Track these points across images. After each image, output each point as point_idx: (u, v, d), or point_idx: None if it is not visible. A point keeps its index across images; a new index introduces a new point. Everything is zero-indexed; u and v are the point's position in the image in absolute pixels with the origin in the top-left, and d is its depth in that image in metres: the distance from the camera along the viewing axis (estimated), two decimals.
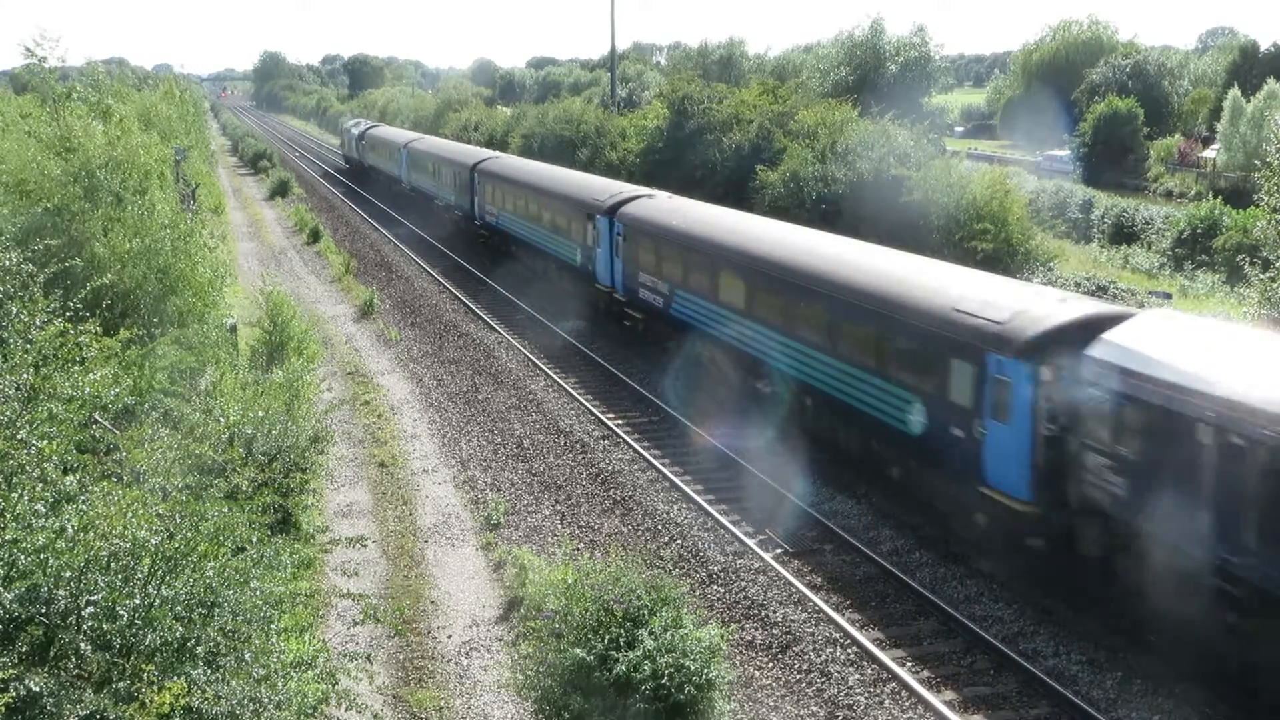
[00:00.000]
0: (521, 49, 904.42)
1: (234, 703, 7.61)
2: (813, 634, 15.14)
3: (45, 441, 8.69)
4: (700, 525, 18.75)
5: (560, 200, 35.24)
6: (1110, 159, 77.64)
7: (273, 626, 8.79)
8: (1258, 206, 32.34)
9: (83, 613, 7.37)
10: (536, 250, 38.25)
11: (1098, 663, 14.34)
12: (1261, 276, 25.15)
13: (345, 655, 9.99)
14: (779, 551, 17.73)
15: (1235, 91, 71.90)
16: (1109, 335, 14.57)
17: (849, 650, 14.72)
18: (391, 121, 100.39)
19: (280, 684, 8.19)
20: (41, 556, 7.38)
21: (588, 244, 32.22)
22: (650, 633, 11.42)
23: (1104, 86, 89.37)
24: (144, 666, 7.37)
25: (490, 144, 71.10)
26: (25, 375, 9.33)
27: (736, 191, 42.58)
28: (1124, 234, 49.48)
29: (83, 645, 7.25)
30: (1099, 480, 14.15)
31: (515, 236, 40.96)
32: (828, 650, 14.73)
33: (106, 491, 8.41)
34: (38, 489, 8.20)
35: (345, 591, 11.10)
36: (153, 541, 7.90)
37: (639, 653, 11.18)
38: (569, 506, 19.69)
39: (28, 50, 22.92)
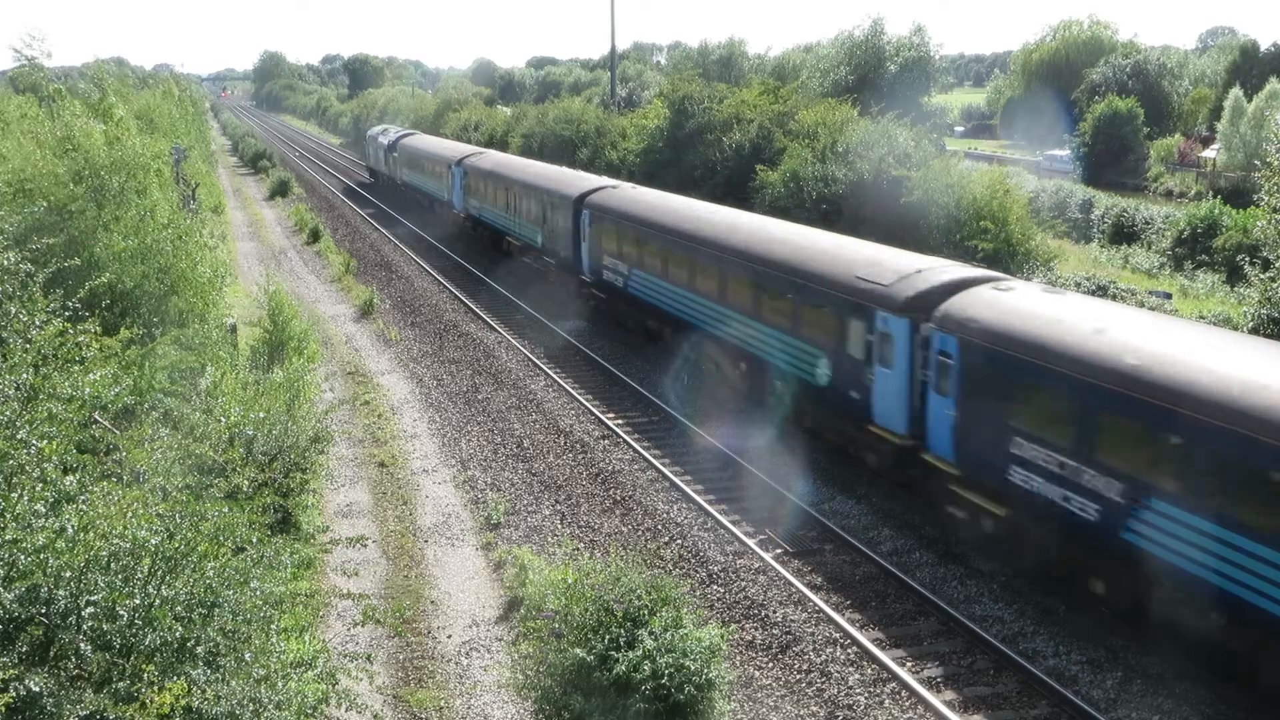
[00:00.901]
0: (521, 49, 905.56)
1: (234, 703, 7.61)
2: (813, 634, 15.14)
3: (45, 441, 8.69)
4: (700, 525, 18.74)
5: (785, 275, 21.61)
6: (1110, 159, 77.69)
7: (273, 627, 8.80)
8: (1258, 206, 32.35)
9: (83, 613, 7.37)
10: (718, 342, 24.89)
11: (1098, 663, 14.34)
12: (1261, 276, 25.17)
13: (345, 655, 9.99)
14: (779, 551, 17.73)
15: (1237, 91, 71.91)
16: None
17: (849, 650, 14.72)
18: (392, 122, 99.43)
19: (280, 684, 8.19)
20: (41, 556, 7.38)
21: (850, 354, 19.54)
22: (650, 633, 11.42)
23: (1104, 86, 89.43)
24: (144, 666, 7.37)
25: (490, 144, 70.12)
26: (25, 375, 9.32)
27: (736, 191, 42.55)
28: (1124, 234, 49.47)
29: (83, 645, 7.25)
30: None
31: (668, 313, 27.45)
32: (828, 650, 14.73)
33: (106, 491, 8.41)
34: (38, 489, 8.20)
35: (345, 591, 11.10)
36: (153, 541, 7.91)
37: (639, 653, 11.18)
38: (569, 506, 19.69)
39: (17, 52, 23.15)
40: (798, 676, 14.21)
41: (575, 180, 36.36)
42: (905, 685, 13.78)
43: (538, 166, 43.29)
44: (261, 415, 15.74)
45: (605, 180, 36.10)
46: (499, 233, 42.88)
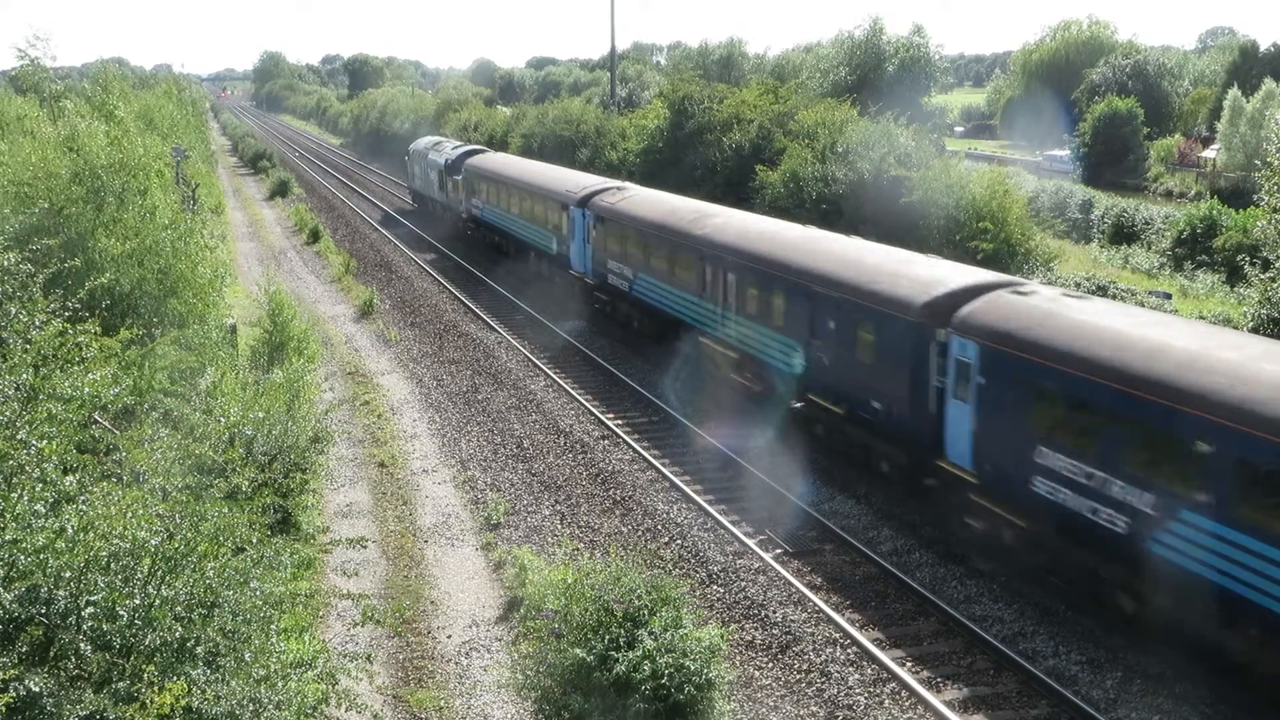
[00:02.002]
0: (521, 49, 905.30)
1: (234, 703, 7.62)
2: (813, 634, 15.14)
3: (45, 441, 8.69)
4: (700, 525, 18.75)
5: None
6: (1110, 159, 77.71)
7: (272, 627, 8.80)
8: (1258, 206, 32.35)
9: (83, 613, 7.38)
10: None
11: (1098, 663, 14.34)
12: (1261, 276, 25.16)
13: (345, 655, 9.99)
14: (779, 551, 17.73)
15: (1235, 91, 71.95)
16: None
17: (849, 650, 14.72)
18: (391, 124, 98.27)
19: (280, 684, 8.19)
20: (41, 556, 7.38)
21: None
22: (650, 633, 11.42)
23: (1104, 86, 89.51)
24: (144, 667, 7.37)
25: (490, 144, 69.33)
26: (25, 375, 9.33)
27: (736, 191, 42.55)
28: (1124, 234, 49.49)
29: (83, 645, 7.26)
30: None
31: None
32: (828, 650, 14.73)
33: (106, 492, 8.41)
34: (38, 489, 8.20)
35: (345, 592, 11.10)
36: (153, 542, 7.91)
37: (639, 653, 11.18)
38: (569, 506, 19.69)
39: (20, 52, 23.21)
40: (798, 676, 14.21)
41: (911, 270, 19.44)
42: (905, 685, 13.78)
43: (812, 239, 23.42)
44: (261, 415, 15.75)
45: (988, 274, 19.23)
46: (681, 324, 26.69)
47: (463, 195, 47.35)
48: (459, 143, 56.55)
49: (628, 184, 35.37)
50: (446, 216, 51.65)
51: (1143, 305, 28.33)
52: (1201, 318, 28.42)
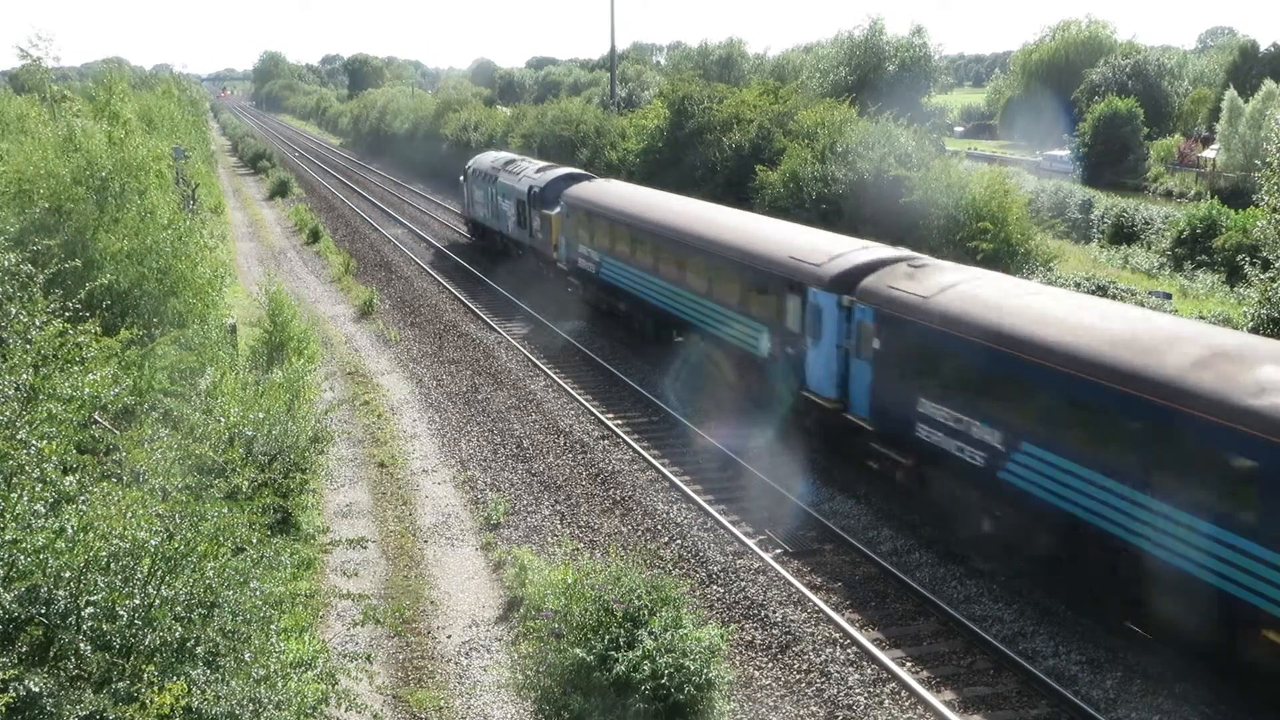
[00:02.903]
0: (521, 49, 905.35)
1: (234, 703, 7.62)
2: (812, 634, 15.14)
3: (45, 441, 8.70)
4: (700, 525, 18.75)
5: None
6: (1110, 159, 77.72)
7: (272, 627, 8.81)
8: (1257, 206, 32.37)
9: (83, 613, 7.38)
10: None
11: (1098, 663, 14.34)
12: (1261, 276, 25.15)
13: (345, 655, 10.00)
14: (779, 551, 17.73)
15: (1232, 92, 71.99)
16: None
17: (849, 650, 14.72)
18: (391, 124, 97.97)
19: (280, 684, 8.20)
20: (41, 557, 7.39)
21: None
22: (650, 633, 11.42)
23: (1104, 86, 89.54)
24: (144, 667, 7.38)
25: (490, 144, 68.71)
26: (25, 375, 9.33)
27: (736, 191, 42.52)
28: (1124, 234, 49.50)
29: (83, 645, 7.26)
30: None
31: None
32: (827, 650, 14.74)
33: (106, 492, 8.42)
34: (38, 489, 8.21)
35: (345, 592, 11.10)
36: (152, 542, 7.92)
37: (639, 653, 11.18)
38: (569, 506, 19.70)
39: (22, 51, 23.20)
40: (797, 676, 14.21)
41: None
42: (905, 685, 13.78)
43: None
44: (261, 415, 15.75)
45: None
46: (1145, 559, 13.71)
47: (561, 239, 33.99)
48: (545, 163, 40.73)
49: (924, 257, 20.56)
50: (530, 262, 38.72)
51: (1142, 305, 28.29)
52: (1202, 318, 28.40)
